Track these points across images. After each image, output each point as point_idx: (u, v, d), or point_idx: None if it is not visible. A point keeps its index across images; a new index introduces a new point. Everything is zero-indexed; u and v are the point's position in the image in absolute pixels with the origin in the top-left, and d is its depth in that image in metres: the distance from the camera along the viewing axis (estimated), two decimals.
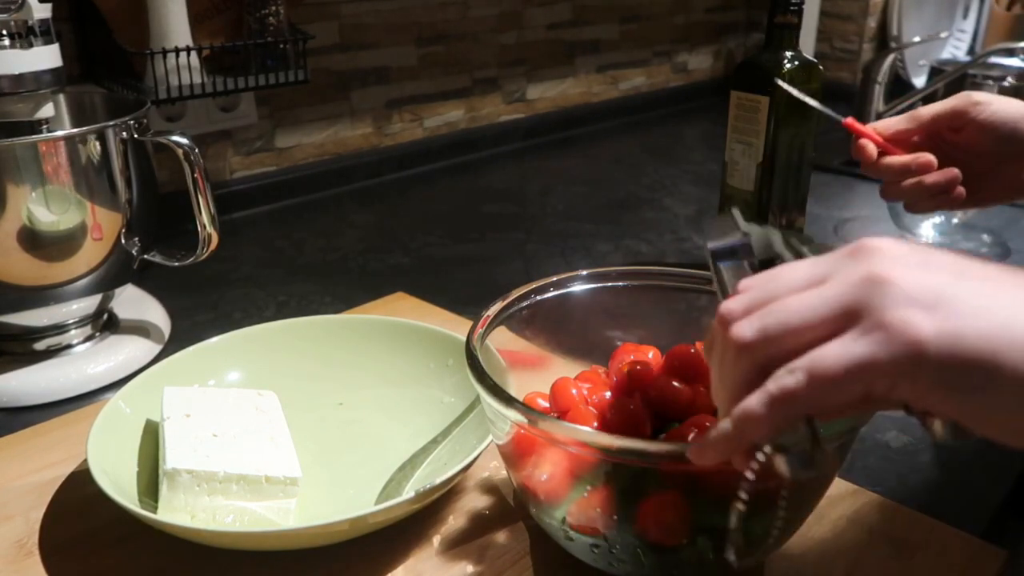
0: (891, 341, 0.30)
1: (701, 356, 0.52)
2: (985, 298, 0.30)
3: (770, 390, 0.32)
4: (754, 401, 0.32)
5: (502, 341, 0.53)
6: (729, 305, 0.35)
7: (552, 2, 1.45)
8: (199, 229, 0.70)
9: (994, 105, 0.64)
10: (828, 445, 0.35)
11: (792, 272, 0.34)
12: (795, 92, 0.74)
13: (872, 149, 0.67)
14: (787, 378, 0.31)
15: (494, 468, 0.59)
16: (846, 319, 0.31)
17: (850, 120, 0.68)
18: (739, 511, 0.34)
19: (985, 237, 1.02)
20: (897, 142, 0.67)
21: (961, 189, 0.65)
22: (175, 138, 0.67)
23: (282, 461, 0.53)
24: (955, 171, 0.64)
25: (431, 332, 0.67)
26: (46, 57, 0.68)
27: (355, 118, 1.25)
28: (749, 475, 0.32)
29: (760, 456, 0.32)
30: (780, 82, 0.75)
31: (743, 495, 0.34)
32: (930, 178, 0.64)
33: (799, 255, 0.40)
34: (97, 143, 0.67)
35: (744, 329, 0.33)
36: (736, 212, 0.44)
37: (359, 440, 0.62)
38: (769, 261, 0.41)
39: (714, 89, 1.81)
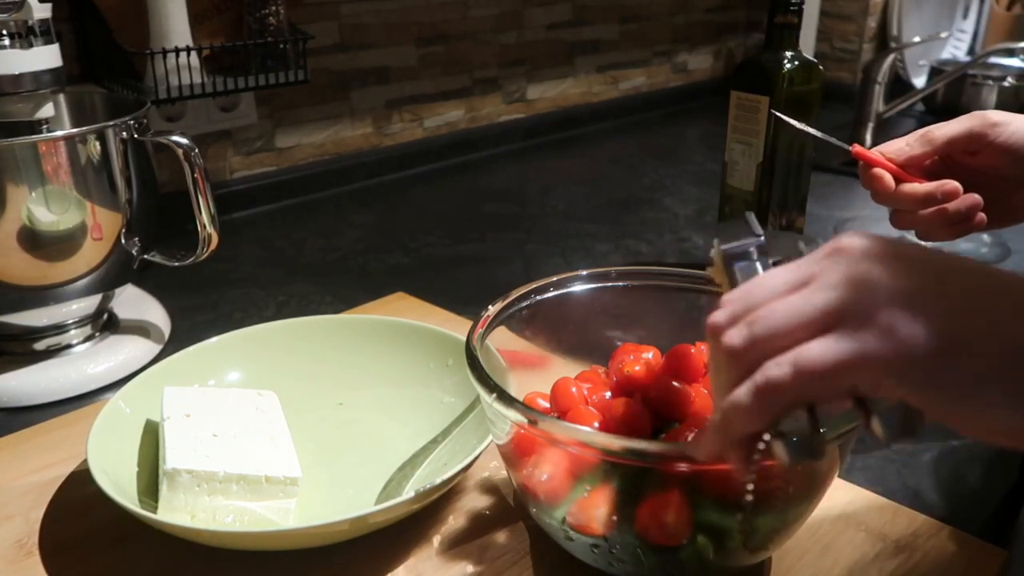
0: (881, 339, 0.30)
1: (701, 356, 0.52)
2: (970, 299, 0.30)
3: (756, 380, 0.32)
4: (741, 391, 0.33)
5: (502, 341, 0.53)
6: (715, 317, 0.35)
7: (552, 2, 1.45)
8: (199, 229, 0.70)
9: (1013, 125, 0.59)
10: (830, 435, 0.35)
11: (774, 278, 0.35)
12: (796, 124, 0.70)
13: (889, 179, 0.61)
14: (773, 369, 0.32)
15: (494, 468, 0.59)
16: (832, 319, 0.32)
17: (859, 148, 0.63)
18: (747, 504, 0.35)
19: (985, 237, 1.02)
20: (909, 167, 0.62)
21: (982, 215, 0.60)
22: (175, 138, 0.67)
23: (282, 461, 0.53)
24: (977, 198, 0.59)
25: (431, 332, 0.67)
26: (46, 57, 0.68)
27: (355, 118, 1.25)
28: (750, 465, 0.33)
29: (760, 444, 0.33)
30: (779, 114, 0.73)
31: (748, 486, 0.34)
32: (952, 206, 0.59)
33: None
34: (97, 143, 0.67)
35: (733, 337, 0.34)
36: (751, 216, 0.44)
37: (359, 440, 0.62)
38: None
39: (714, 89, 1.81)
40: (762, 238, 0.42)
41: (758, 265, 0.42)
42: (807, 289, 0.33)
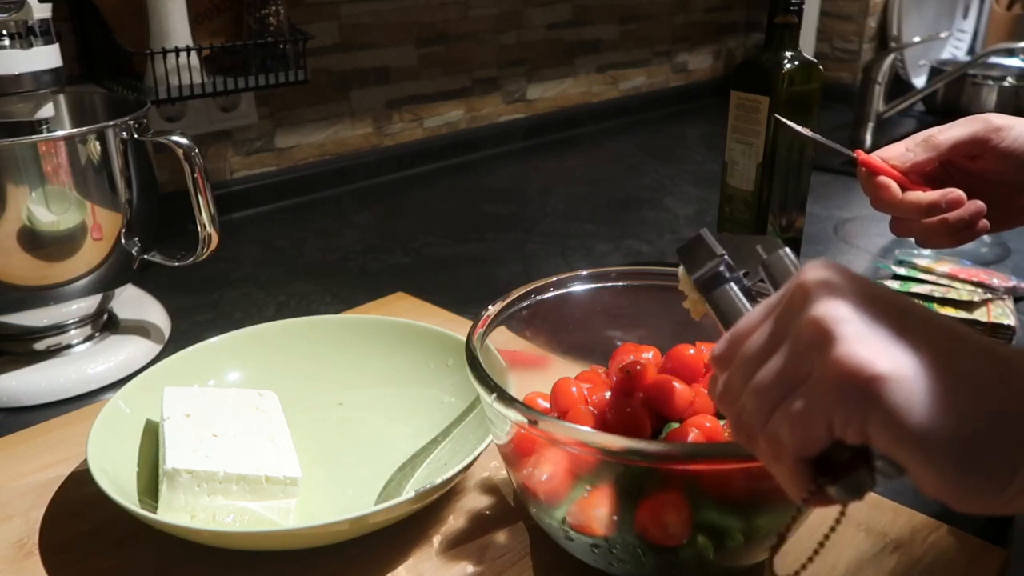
0: (840, 383, 0.30)
1: (701, 356, 0.52)
2: (928, 345, 0.30)
3: (764, 449, 0.34)
4: (768, 460, 0.35)
5: (502, 341, 0.53)
6: (713, 389, 0.37)
7: (552, 2, 1.45)
8: (199, 229, 0.70)
9: (1016, 130, 0.57)
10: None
11: (749, 346, 0.35)
12: (799, 129, 0.68)
13: (896, 188, 0.59)
14: (778, 429, 0.33)
15: (494, 468, 0.59)
16: (807, 372, 0.32)
17: (863, 156, 0.61)
18: (789, 524, 0.38)
19: (986, 238, 1.02)
20: (910, 172, 0.60)
21: (985, 222, 0.59)
22: (175, 138, 0.67)
23: (282, 461, 0.53)
24: (981, 205, 0.58)
25: (431, 332, 0.67)
26: (46, 57, 0.68)
27: (355, 118, 1.25)
28: (801, 501, 0.34)
29: (811, 487, 0.33)
30: (782, 119, 0.71)
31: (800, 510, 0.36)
32: (955, 214, 0.58)
33: (773, 262, 0.41)
34: (97, 143, 0.67)
35: (732, 415, 0.36)
36: (705, 233, 0.44)
37: (359, 440, 0.62)
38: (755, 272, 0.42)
39: (714, 89, 1.81)
40: (724, 256, 0.43)
41: (734, 288, 0.42)
42: (779, 354, 0.34)
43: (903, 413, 0.29)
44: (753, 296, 0.43)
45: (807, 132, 0.67)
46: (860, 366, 0.30)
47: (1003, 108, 1.54)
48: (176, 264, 0.73)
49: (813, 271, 0.33)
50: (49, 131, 0.72)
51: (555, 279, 0.57)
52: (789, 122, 0.69)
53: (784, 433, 0.33)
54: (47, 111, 0.72)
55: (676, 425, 0.48)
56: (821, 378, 0.31)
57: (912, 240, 0.61)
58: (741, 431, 0.35)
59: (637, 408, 0.48)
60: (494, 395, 0.44)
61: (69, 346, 0.74)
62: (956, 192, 0.58)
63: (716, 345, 0.37)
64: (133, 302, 0.81)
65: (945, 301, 0.82)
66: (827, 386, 0.31)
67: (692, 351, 0.52)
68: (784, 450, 0.33)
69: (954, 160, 0.61)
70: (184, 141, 0.67)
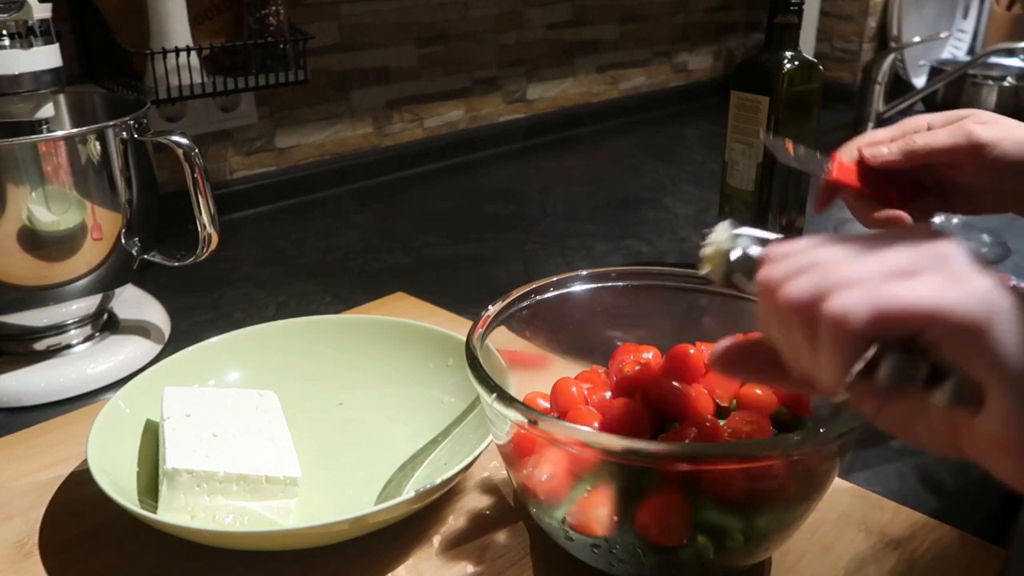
0: (970, 297, 0.29)
1: (701, 356, 0.52)
2: None
3: (823, 323, 0.31)
4: (808, 340, 0.32)
5: (502, 341, 0.53)
6: (770, 272, 0.34)
7: (552, 2, 1.45)
8: (199, 229, 0.70)
9: (1000, 147, 0.55)
10: (835, 431, 0.34)
11: (833, 243, 0.33)
12: (779, 152, 0.62)
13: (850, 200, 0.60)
14: (846, 297, 0.31)
15: (494, 468, 0.59)
16: (921, 270, 0.31)
17: (833, 176, 0.59)
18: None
19: (985, 237, 1.02)
20: (881, 171, 0.59)
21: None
22: (175, 138, 0.67)
23: (282, 461, 0.53)
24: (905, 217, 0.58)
25: (431, 332, 0.67)
26: (46, 57, 0.68)
27: (355, 118, 1.25)
28: (845, 380, 0.31)
29: (859, 365, 0.30)
30: (766, 137, 0.67)
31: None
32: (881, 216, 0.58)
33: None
34: (97, 143, 0.67)
35: (794, 288, 0.33)
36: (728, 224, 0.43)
37: (359, 440, 0.62)
38: None
39: (714, 89, 1.81)
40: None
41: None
42: (881, 250, 0.32)
43: (1012, 346, 0.29)
44: None
45: (790, 155, 0.62)
46: (989, 287, 0.29)
47: (1003, 108, 1.54)
48: (176, 264, 0.73)
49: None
50: (49, 131, 0.72)
51: (555, 279, 0.57)
52: (775, 148, 0.64)
53: (859, 311, 0.30)
54: (47, 111, 0.72)
55: (676, 425, 0.48)
56: (945, 281, 0.30)
57: None
58: (796, 298, 0.32)
59: (637, 408, 0.48)
60: (494, 395, 0.44)
61: (69, 346, 0.74)
62: (905, 221, 0.58)
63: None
64: (133, 302, 0.81)
65: None
66: (949, 289, 0.30)
67: (692, 351, 0.52)
68: (846, 329, 0.30)
69: (933, 165, 0.59)
70: (184, 141, 0.67)
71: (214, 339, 0.66)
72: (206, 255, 0.71)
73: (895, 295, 0.30)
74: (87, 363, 0.72)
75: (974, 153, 0.56)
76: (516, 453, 0.48)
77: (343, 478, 0.58)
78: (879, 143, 0.59)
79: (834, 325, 0.31)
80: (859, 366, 0.30)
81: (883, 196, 0.60)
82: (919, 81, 1.78)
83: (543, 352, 0.57)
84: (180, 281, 0.89)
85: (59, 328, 0.73)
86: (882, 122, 1.43)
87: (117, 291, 0.75)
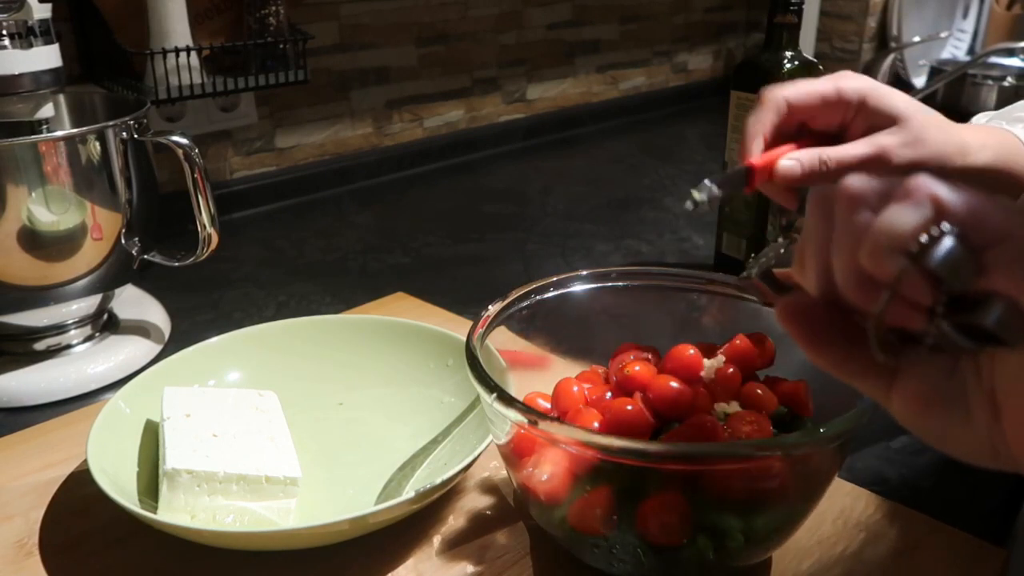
0: None
1: (701, 356, 0.52)
2: None
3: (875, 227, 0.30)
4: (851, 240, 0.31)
5: (502, 341, 0.53)
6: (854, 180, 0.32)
7: (552, 2, 1.45)
8: (199, 229, 0.70)
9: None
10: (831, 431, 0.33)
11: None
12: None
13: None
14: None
15: (494, 468, 0.59)
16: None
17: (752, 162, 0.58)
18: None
19: None
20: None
21: None
22: (175, 138, 0.67)
23: (282, 461, 0.53)
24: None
25: (431, 332, 0.67)
26: (46, 57, 0.68)
27: (355, 118, 1.25)
28: (898, 270, 0.29)
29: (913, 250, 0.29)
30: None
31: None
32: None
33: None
34: (97, 143, 0.67)
35: (847, 185, 0.31)
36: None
37: (359, 440, 0.62)
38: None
39: (714, 89, 1.81)
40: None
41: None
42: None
43: None
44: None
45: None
46: None
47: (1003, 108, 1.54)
48: (176, 264, 0.73)
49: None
50: (49, 131, 0.72)
51: (555, 279, 0.57)
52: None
53: (939, 184, 0.29)
54: (47, 111, 0.72)
55: (676, 425, 0.48)
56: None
57: None
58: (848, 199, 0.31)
59: (637, 408, 0.48)
60: (494, 395, 0.44)
61: (69, 346, 0.74)
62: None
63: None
64: (133, 302, 0.81)
65: None
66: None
67: (692, 351, 0.52)
68: (926, 189, 0.29)
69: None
70: (184, 141, 0.67)
71: (214, 339, 0.66)
72: (206, 255, 0.71)
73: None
74: (87, 363, 0.72)
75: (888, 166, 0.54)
76: (516, 453, 0.48)
77: (343, 478, 0.58)
78: (793, 158, 0.57)
79: (911, 189, 0.29)
80: (917, 244, 0.28)
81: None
82: (919, 81, 1.78)
83: (543, 352, 0.57)
84: (180, 281, 0.89)
85: (59, 328, 0.73)
86: None
87: (117, 291, 0.75)
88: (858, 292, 0.31)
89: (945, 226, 0.29)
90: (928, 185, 0.29)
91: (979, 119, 0.68)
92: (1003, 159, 0.57)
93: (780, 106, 0.57)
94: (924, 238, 0.29)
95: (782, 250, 0.41)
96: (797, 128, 0.58)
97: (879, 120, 0.56)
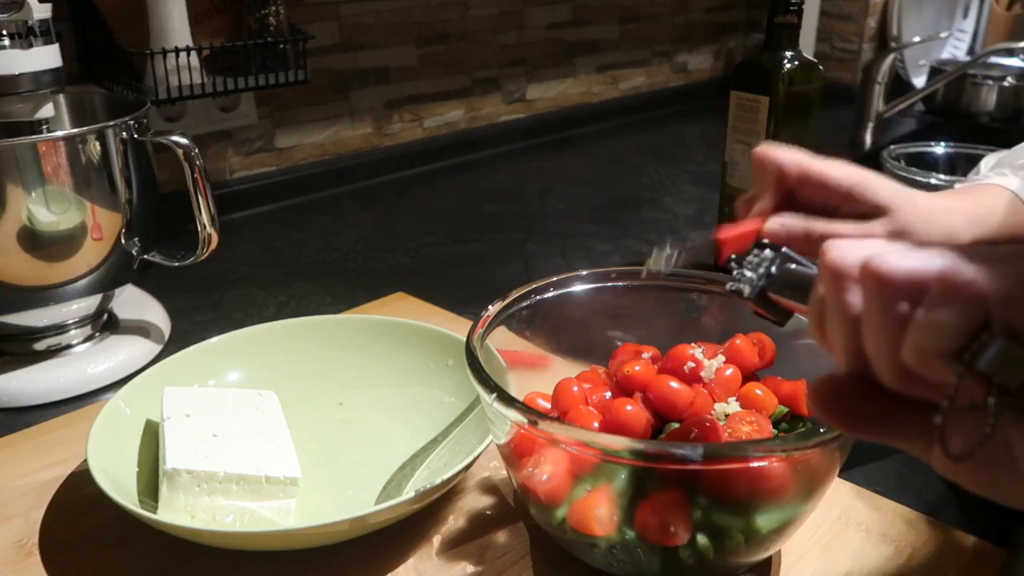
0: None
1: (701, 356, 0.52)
2: None
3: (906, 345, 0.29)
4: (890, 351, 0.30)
5: (502, 341, 0.53)
6: (845, 253, 0.31)
7: (552, 2, 1.45)
8: (199, 229, 0.70)
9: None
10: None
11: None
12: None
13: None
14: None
15: (494, 468, 0.59)
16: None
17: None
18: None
19: None
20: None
21: None
22: (175, 138, 0.67)
23: (282, 461, 0.53)
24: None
25: (431, 332, 0.67)
26: (46, 57, 0.68)
27: (355, 118, 1.25)
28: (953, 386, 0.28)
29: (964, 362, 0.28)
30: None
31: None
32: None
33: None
34: (97, 143, 0.67)
35: (899, 257, 0.30)
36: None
37: (359, 440, 0.62)
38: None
39: (714, 89, 1.81)
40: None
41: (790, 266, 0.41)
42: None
43: None
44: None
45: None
46: None
47: (1003, 108, 1.55)
48: (176, 264, 0.73)
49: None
50: (49, 131, 0.72)
51: (555, 279, 0.57)
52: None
53: (983, 274, 0.28)
54: (47, 111, 0.72)
55: (676, 425, 0.48)
56: None
57: None
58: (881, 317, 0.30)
59: (637, 408, 0.48)
60: (494, 395, 0.44)
61: (69, 346, 0.74)
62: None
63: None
64: (133, 302, 0.81)
65: None
66: None
67: (692, 351, 0.52)
68: (967, 287, 0.28)
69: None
70: (184, 141, 0.67)
71: (214, 339, 0.66)
72: (206, 255, 0.71)
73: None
74: (87, 363, 0.72)
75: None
76: (516, 453, 0.48)
77: (343, 478, 0.58)
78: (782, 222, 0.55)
79: (952, 285, 0.28)
80: (969, 353, 0.28)
81: None
82: (919, 81, 1.78)
83: (543, 352, 0.57)
84: (180, 281, 0.89)
85: (59, 328, 0.73)
86: (882, 122, 1.43)
87: (117, 291, 0.75)
88: (902, 383, 0.31)
89: (995, 326, 0.28)
90: (963, 274, 0.28)
91: (987, 161, 0.68)
92: (997, 230, 0.57)
93: (781, 175, 0.56)
94: (975, 345, 0.28)
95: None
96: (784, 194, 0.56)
97: (867, 210, 0.55)
